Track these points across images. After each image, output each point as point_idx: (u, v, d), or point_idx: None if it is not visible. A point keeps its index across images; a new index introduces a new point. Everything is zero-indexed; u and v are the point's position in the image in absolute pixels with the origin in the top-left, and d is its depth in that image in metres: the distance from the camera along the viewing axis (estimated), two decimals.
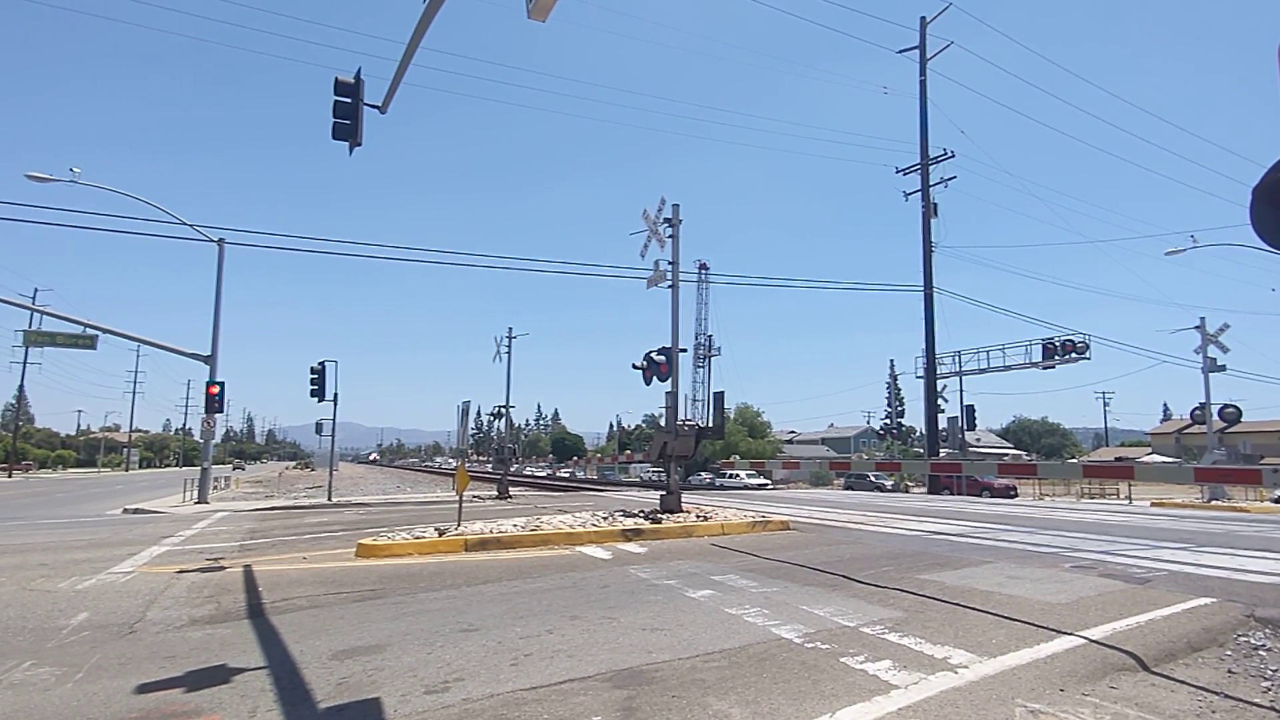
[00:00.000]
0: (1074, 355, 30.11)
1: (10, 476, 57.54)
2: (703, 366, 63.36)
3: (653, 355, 15.03)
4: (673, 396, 14.41)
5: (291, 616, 5.82)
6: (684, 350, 15.33)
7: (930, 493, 32.57)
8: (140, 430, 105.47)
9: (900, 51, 35.75)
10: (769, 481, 45.45)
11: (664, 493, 13.87)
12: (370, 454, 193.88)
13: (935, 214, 34.47)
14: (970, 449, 47.00)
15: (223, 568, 8.58)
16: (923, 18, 35.29)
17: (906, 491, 35.52)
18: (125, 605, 6.37)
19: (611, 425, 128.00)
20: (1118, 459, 63.05)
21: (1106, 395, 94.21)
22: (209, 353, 22.07)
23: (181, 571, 8.31)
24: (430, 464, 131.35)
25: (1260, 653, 4.75)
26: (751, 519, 12.84)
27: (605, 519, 12.43)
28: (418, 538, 9.97)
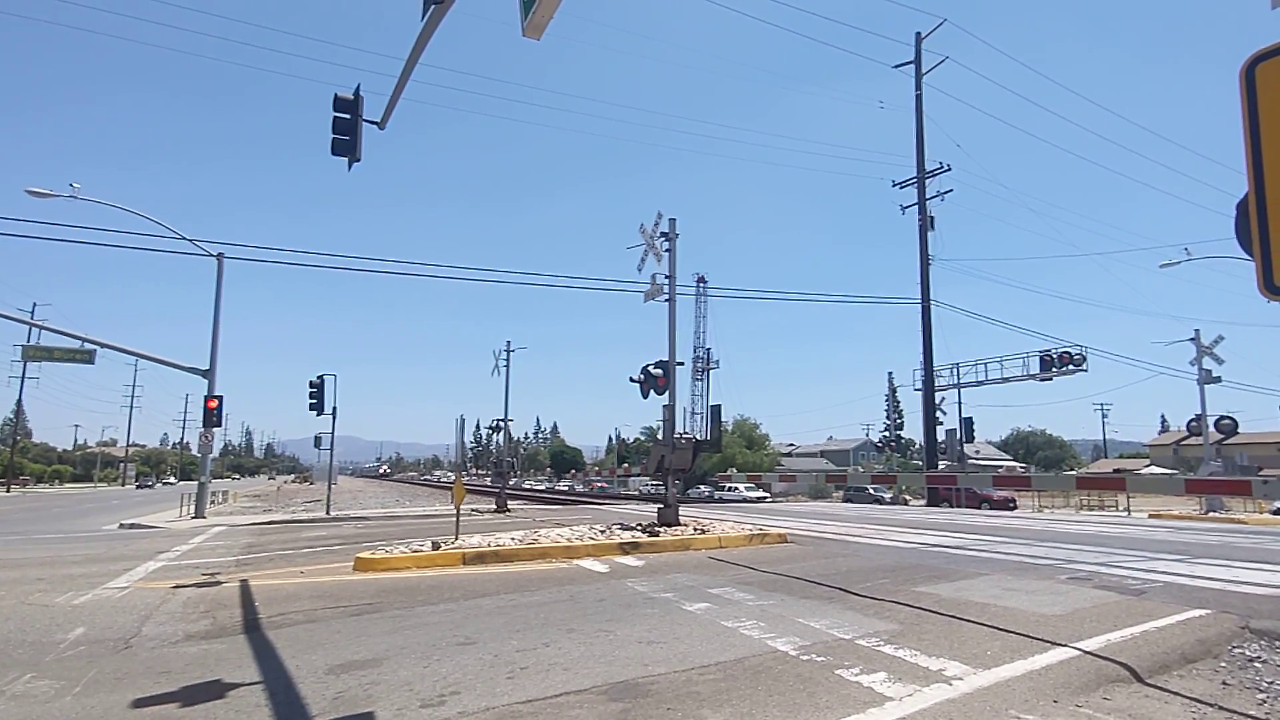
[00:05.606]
0: (1071, 367, 30.21)
1: (8, 491, 57.30)
2: (701, 379, 63.47)
3: (650, 368, 15.06)
4: (670, 410, 14.44)
5: (288, 631, 5.82)
6: (681, 363, 15.37)
7: (929, 505, 32.50)
8: (137, 444, 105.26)
9: (896, 66, 36.15)
10: (767, 494, 45.38)
11: (661, 506, 13.85)
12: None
13: (932, 227, 34.69)
14: (969, 461, 46.94)
15: (219, 582, 8.56)
16: (918, 33, 35.70)
17: (905, 504, 35.47)
18: (121, 620, 6.37)
19: (610, 438, 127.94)
20: (1116, 471, 62.94)
21: (1105, 407, 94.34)
22: (208, 367, 22.09)
23: (177, 586, 8.30)
24: (429, 478, 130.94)
25: (1255, 664, 4.75)
26: (749, 532, 12.82)
27: (602, 532, 12.41)
28: (415, 551, 9.96)
